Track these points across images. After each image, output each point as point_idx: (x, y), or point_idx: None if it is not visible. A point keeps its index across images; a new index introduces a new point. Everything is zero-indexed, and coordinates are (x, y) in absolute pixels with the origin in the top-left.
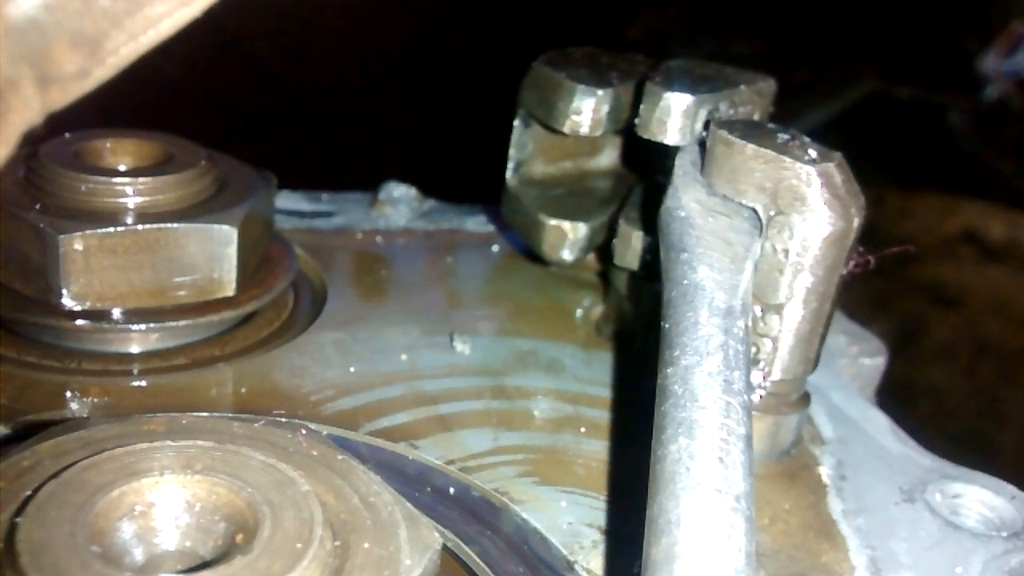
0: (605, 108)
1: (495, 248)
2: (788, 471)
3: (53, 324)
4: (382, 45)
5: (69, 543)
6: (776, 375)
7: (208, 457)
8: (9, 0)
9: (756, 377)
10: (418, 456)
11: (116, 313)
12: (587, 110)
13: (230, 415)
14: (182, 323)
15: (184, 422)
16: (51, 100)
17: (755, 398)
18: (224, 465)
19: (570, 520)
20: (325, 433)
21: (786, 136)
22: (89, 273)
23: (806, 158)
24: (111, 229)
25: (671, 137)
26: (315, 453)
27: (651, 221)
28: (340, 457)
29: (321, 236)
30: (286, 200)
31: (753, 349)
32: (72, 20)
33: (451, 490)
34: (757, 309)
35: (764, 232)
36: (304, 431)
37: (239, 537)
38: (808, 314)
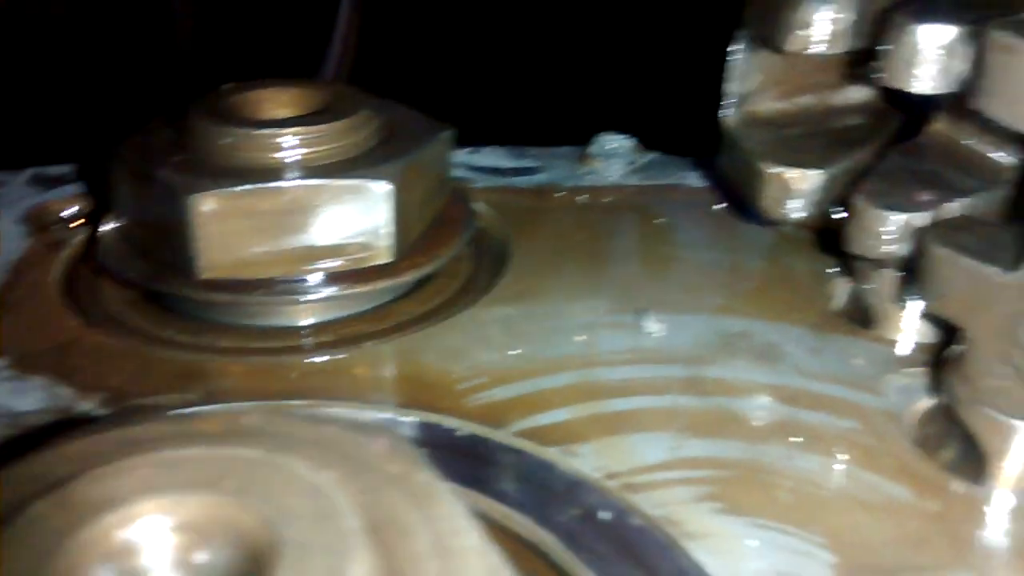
0: (845, 18)
1: (721, 207)
2: None
3: (189, 295)
4: None
5: None
6: None
7: (238, 474)
8: None
9: None
10: (570, 466)
11: (257, 283)
12: (820, 21)
13: (344, 405)
14: (330, 295)
15: (244, 421)
16: None
17: None
18: (253, 485)
19: (759, 567)
20: (466, 431)
21: None
22: (223, 237)
23: None
24: (248, 187)
25: (922, 84)
26: (393, 470)
27: (900, 197)
28: (423, 479)
29: (517, 195)
30: (486, 156)
31: None
32: None
33: (603, 514)
34: None
35: None
36: (388, 439)
37: (253, 562)
38: None
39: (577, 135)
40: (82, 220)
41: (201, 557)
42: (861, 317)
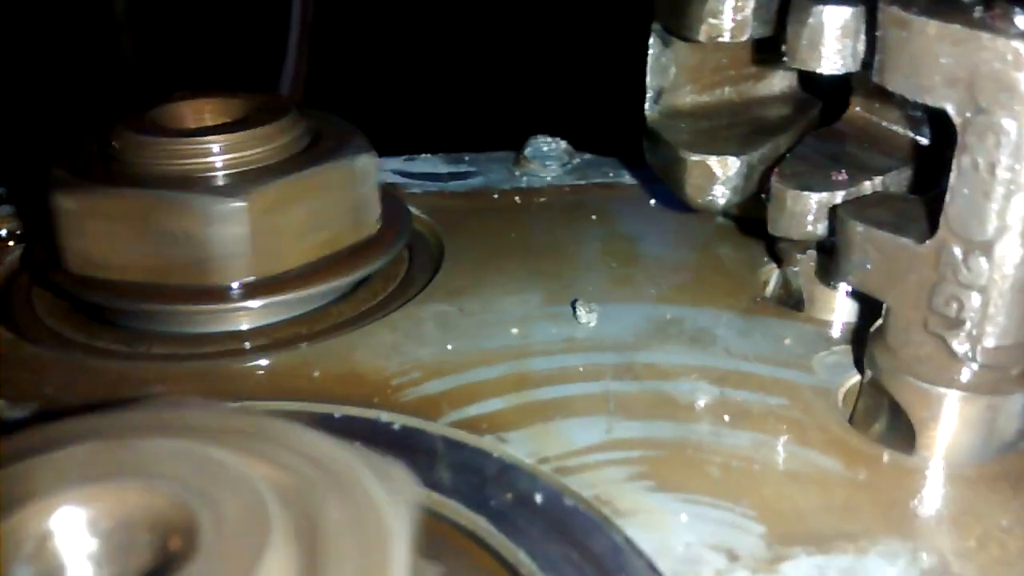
0: (755, 4)
1: (653, 202)
2: (1010, 473)
3: (119, 305)
4: None
5: None
6: (989, 341)
7: (157, 463)
8: None
9: (962, 345)
10: (503, 452)
11: (187, 291)
12: (730, 8)
13: (278, 405)
14: (262, 303)
15: (164, 416)
16: None
17: (965, 374)
18: (172, 473)
19: (689, 540)
20: (400, 424)
21: (984, 7)
22: (82, 237)
23: (1013, 31)
24: (106, 191)
25: (828, 64)
26: (313, 454)
27: (816, 177)
28: (342, 460)
29: (453, 199)
30: (422, 163)
31: (954, 306)
32: None
33: (537, 497)
34: (957, 250)
35: (960, 141)
36: (307, 424)
37: (173, 544)
38: None
39: (508, 141)
40: (15, 239)
41: (121, 544)
42: (790, 300)
